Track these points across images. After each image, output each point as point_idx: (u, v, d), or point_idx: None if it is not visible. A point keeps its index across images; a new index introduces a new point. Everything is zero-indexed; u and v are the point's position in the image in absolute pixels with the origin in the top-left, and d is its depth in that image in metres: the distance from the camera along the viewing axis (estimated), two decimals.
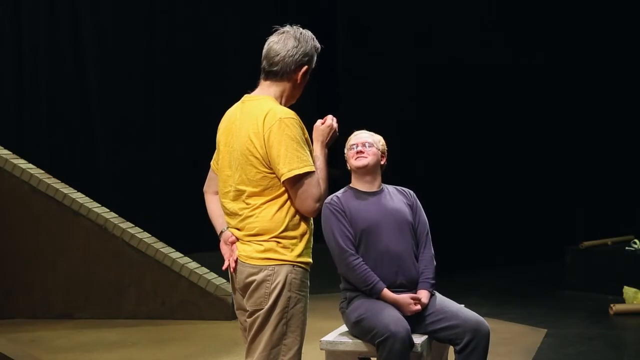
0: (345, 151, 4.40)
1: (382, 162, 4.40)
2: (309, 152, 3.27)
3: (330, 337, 4.27)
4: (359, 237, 4.23)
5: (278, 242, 3.26)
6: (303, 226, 3.30)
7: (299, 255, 3.28)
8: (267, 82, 3.37)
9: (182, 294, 7.28)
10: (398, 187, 4.51)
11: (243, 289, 3.35)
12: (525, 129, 10.07)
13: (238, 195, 3.32)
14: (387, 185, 4.46)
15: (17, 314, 7.26)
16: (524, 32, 10.08)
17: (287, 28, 3.40)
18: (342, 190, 4.39)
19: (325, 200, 4.26)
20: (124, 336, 6.75)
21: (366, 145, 4.33)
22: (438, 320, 4.19)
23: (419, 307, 4.17)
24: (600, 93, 9.79)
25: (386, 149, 4.44)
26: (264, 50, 3.38)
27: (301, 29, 3.41)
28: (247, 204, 3.30)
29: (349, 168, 4.41)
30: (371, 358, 4.27)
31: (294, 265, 3.26)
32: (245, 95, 3.43)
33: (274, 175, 3.25)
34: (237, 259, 3.34)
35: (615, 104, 9.73)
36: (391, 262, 4.22)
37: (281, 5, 10.55)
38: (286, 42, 3.34)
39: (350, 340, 4.22)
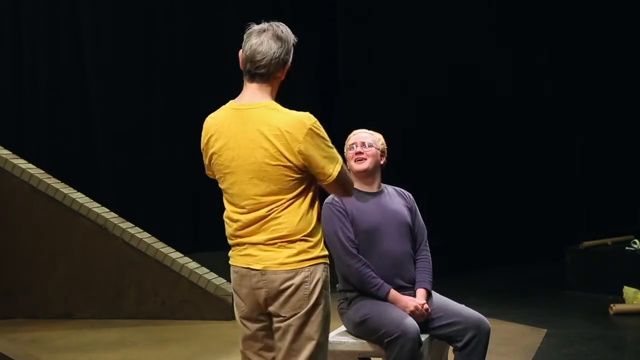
0: (345, 150, 4.37)
1: (381, 162, 4.39)
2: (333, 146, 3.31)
3: (330, 337, 4.26)
4: (360, 238, 4.22)
5: (306, 242, 3.23)
6: (317, 222, 3.29)
7: (322, 250, 3.28)
8: (255, 85, 3.27)
9: (182, 294, 7.28)
10: (397, 188, 4.50)
11: (274, 297, 3.26)
12: (525, 129, 10.07)
13: (257, 204, 3.24)
14: (386, 186, 4.45)
15: (17, 314, 7.25)
16: (524, 30, 10.08)
17: (265, 25, 3.30)
18: None
19: (327, 200, 4.26)
20: (124, 336, 6.74)
21: (365, 144, 4.32)
22: (439, 318, 4.21)
23: (425, 313, 4.17)
24: (600, 93, 9.79)
25: (386, 147, 4.43)
26: (247, 52, 3.26)
27: (280, 25, 3.32)
28: (271, 208, 3.22)
29: (348, 168, 4.37)
30: (371, 358, 4.27)
31: (323, 263, 3.27)
32: (236, 103, 3.31)
33: (299, 177, 3.20)
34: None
35: (616, 104, 9.73)
36: (391, 265, 4.23)
37: (281, 5, 10.54)
38: (270, 43, 3.24)
39: (350, 340, 4.22)
